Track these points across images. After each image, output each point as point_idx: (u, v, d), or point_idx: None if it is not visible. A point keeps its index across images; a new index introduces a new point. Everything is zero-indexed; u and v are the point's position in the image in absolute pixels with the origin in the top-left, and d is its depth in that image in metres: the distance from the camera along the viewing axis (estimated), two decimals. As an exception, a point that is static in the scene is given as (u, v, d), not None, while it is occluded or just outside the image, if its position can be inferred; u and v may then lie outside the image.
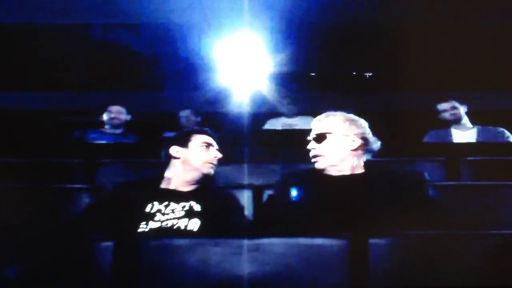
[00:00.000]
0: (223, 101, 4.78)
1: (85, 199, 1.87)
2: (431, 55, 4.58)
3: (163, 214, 1.57)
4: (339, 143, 1.60)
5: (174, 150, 1.73)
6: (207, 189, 1.71)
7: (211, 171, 1.72)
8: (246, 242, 1.16)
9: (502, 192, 1.92)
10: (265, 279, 1.13)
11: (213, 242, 1.17)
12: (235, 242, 1.16)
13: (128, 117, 3.39)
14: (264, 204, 1.84)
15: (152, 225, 1.53)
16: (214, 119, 3.90)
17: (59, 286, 1.16)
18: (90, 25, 4.73)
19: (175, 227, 1.53)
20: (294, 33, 4.68)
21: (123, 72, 5.15)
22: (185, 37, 4.59)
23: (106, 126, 3.32)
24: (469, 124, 3.17)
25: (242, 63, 4.79)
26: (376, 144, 1.65)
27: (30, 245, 1.20)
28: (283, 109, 4.12)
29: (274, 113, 4.19)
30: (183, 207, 1.59)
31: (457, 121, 3.16)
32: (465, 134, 3.13)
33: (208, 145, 1.74)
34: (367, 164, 1.64)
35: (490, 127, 3.10)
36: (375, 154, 1.66)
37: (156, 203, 1.60)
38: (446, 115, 3.19)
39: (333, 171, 1.60)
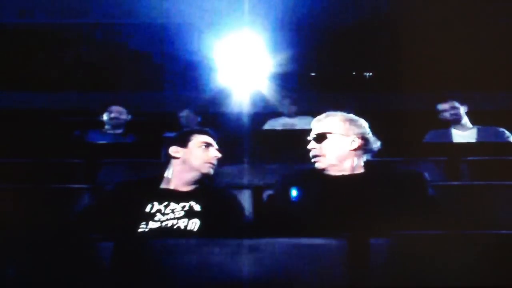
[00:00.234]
0: (223, 101, 4.77)
1: (85, 199, 1.87)
2: (431, 55, 4.58)
3: (163, 214, 1.57)
4: (339, 143, 1.60)
5: (174, 150, 1.73)
6: (207, 189, 1.71)
7: (211, 171, 1.72)
8: (246, 242, 1.15)
9: (502, 192, 1.92)
10: (265, 279, 1.13)
11: (212, 242, 1.17)
12: (235, 242, 1.16)
13: (128, 117, 3.39)
14: (264, 204, 1.84)
15: (152, 225, 1.53)
16: (214, 119, 3.91)
17: (59, 286, 1.16)
18: (90, 25, 4.73)
19: (175, 227, 1.53)
20: (294, 33, 4.68)
21: (123, 72, 5.16)
22: (185, 37, 4.60)
23: (106, 126, 3.32)
24: (469, 124, 3.17)
25: (242, 63, 4.79)
26: (376, 144, 1.65)
27: (30, 245, 1.20)
28: (283, 109, 4.11)
29: (274, 113, 4.18)
30: (183, 207, 1.59)
31: (457, 121, 3.16)
32: (465, 134, 3.13)
33: (208, 145, 1.74)
34: (367, 164, 1.64)
35: (490, 127, 3.10)
36: (375, 154, 1.66)
37: (156, 203, 1.60)
38: (446, 115, 3.19)
39: (333, 171, 1.60)
